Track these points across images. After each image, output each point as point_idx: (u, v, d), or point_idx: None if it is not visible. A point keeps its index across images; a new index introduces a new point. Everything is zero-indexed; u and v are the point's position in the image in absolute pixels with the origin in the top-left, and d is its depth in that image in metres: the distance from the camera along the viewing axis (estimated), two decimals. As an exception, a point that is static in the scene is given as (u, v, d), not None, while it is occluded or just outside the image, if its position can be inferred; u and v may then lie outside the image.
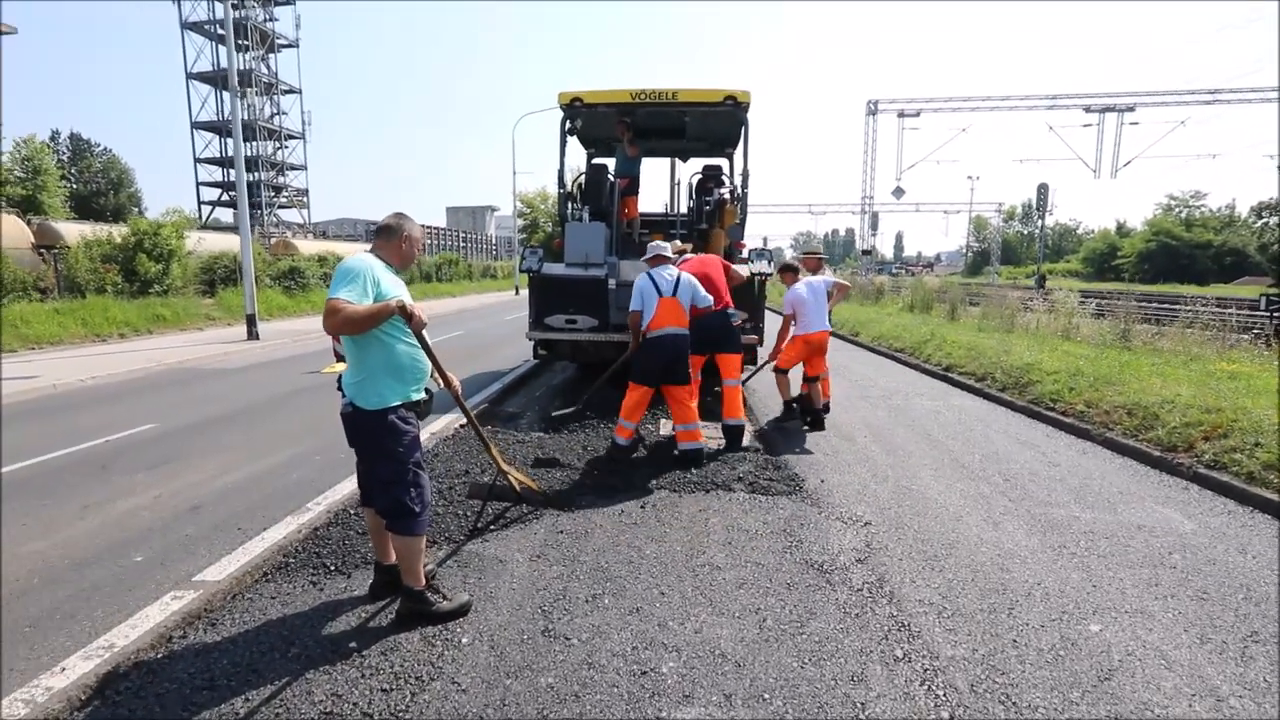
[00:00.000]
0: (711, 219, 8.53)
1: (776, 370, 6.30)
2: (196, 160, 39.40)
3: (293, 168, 42.85)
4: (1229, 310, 11.08)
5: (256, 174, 38.84)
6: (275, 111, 40.87)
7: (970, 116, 36.14)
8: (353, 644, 2.63)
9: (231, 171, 21.08)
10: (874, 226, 40.40)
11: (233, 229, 19.39)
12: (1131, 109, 33.57)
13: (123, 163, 44.47)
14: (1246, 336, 9.56)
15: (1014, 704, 2.31)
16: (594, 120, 8.20)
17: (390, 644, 2.64)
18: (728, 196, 8.65)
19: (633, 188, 8.49)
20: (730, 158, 9.65)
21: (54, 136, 42.99)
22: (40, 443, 5.76)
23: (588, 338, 7.01)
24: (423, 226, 46.17)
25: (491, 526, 3.81)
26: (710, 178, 9.07)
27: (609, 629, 2.76)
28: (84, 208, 37.43)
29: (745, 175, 7.97)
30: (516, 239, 38.60)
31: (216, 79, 37.01)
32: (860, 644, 2.66)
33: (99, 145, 45.06)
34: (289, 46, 41.36)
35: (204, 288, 18.31)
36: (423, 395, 2.80)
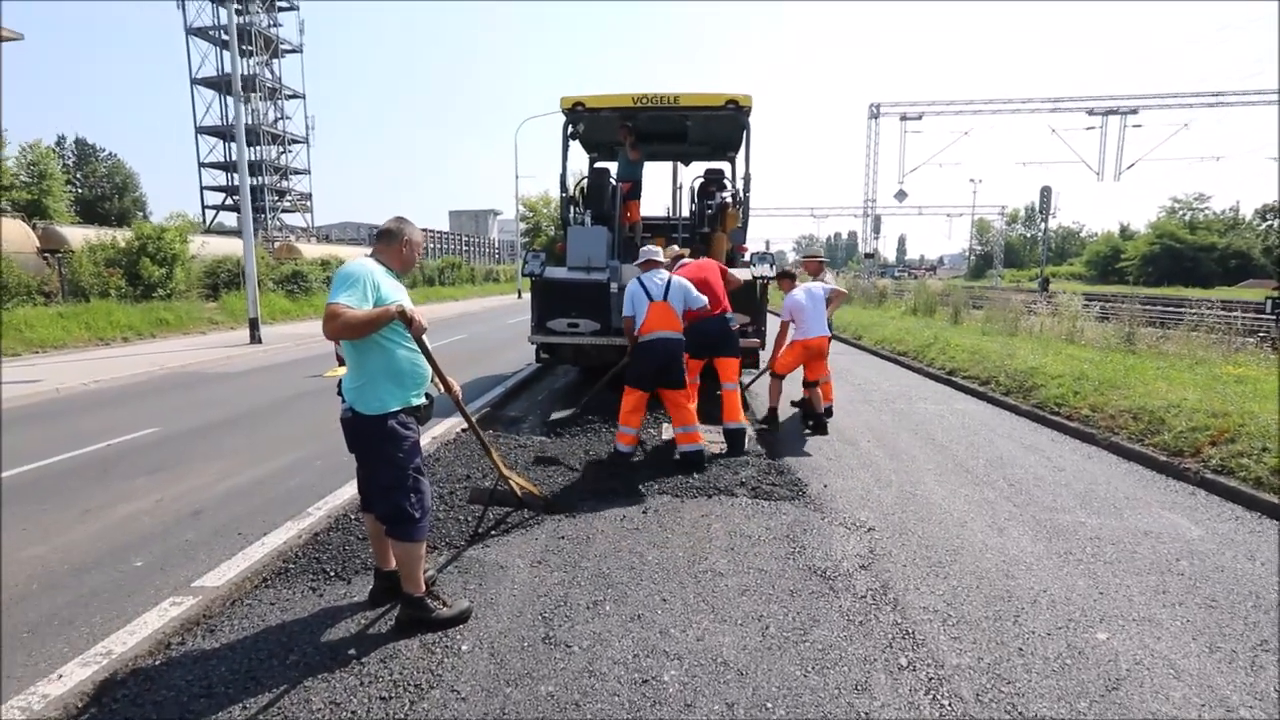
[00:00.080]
0: (713, 223, 8.52)
1: (773, 375, 6.28)
2: (201, 165, 39.66)
3: (296, 172, 43.08)
4: (1234, 313, 11.01)
5: (260, 178, 39.03)
6: (279, 116, 41.12)
7: (972, 119, 36.21)
8: (352, 651, 2.61)
9: (235, 176, 21.14)
10: (876, 230, 40.37)
11: (236, 233, 19.48)
12: (1134, 111, 33.53)
13: (127, 167, 44.70)
14: (1252, 340, 9.50)
15: (1020, 714, 2.28)
16: (596, 125, 8.21)
17: (390, 651, 2.62)
18: (729, 200, 8.64)
19: (635, 192, 8.49)
20: (732, 161, 9.64)
21: (59, 141, 43.24)
22: (42, 447, 5.76)
23: (590, 341, 6.99)
24: (425, 230, 46.52)
25: (492, 532, 3.79)
26: (712, 181, 9.06)
27: (610, 636, 2.73)
28: (89, 212, 37.58)
29: (747, 179, 7.96)
30: (519, 243, 38.66)
31: (220, 84, 37.26)
32: (864, 652, 2.63)
33: (104, 150, 45.33)
34: (292, 52, 41.65)
35: (207, 292, 18.36)
36: (423, 400, 2.79)
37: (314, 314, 19.17)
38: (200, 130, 38.88)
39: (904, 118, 36.11)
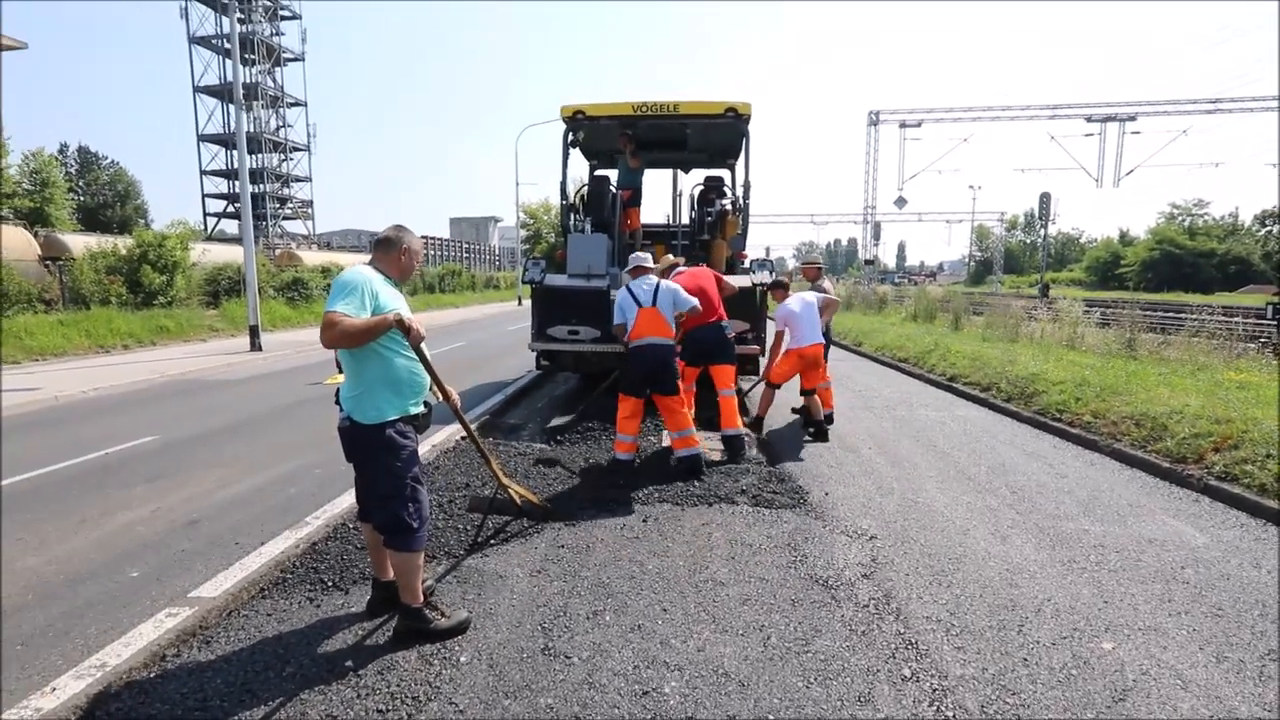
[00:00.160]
0: (713, 230, 8.53)
1: (768, 384, 6.27)
2: (203, 172, 39.80)
3: (297, 179, 43.24)
4: (1235, 319, 10.99)
5: (261, 186, 39.19)
6: (281, 124, 41.31)
7: (971, 126, 36.23)
8: (349, 663, 2.58)
9: (237, 183, 21.19)
10: (876, 236, 40.46)
11: (238, 240, 19.52)
12: (1133, 118, 33.66)
13: (129, 175, 44.96)
14: (1253, 345, 9.48)
15: (1026, 726, 2.25)
16: (596, 133, 8.24)
17: (387, 663, 2.59)
18: (729, 207, 8.66)
19: (635, 199, 8.50)
20: (732, 169, 9.67)
21: (62, 149, 43.49)
22: (41, 455, 5.74)
23: (590, 349, 6.98)
24: (426, 237, 46.66)
25: (492, 541, 3.77)
26: (712, 189, 9.08)
27: (610, 647, 2.70)
28: (91, 220, 37.75)
29: (746, 186, 7.98)
30: (519, 250, 38.74)
31: (223, 92, 37.48)
32: (867, 662, 2.60)
33: (106, 158, 45.57)
34: (295, 60, 41.88)
35: (208, 299, 18.38)
36: (421, 409, 2.77)
37: (314, 321, 19.17)
38: (202, 138, 39.07)
39: (903, 125, 36.25)
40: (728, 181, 9.40)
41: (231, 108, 28.64)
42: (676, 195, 9.95)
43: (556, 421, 6.23)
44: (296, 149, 42.54)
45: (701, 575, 3.34)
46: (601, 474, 4.96)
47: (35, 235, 17.45)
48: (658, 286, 4.98)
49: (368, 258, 2.79)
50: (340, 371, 2.73)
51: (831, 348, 7.49)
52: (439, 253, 50.67)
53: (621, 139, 8.00)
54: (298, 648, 2.69)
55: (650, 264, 5.17)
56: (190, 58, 37.87)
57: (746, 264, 7.92)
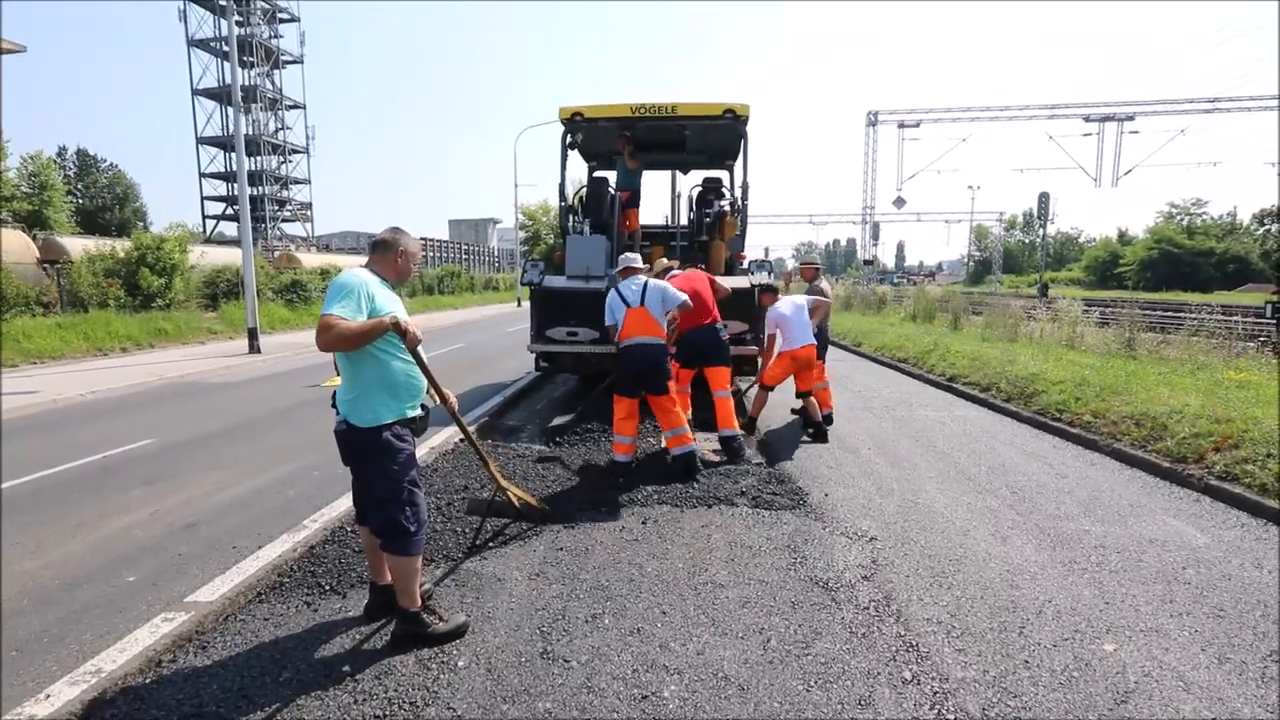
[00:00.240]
0: (712, 231, 8.53)
1: (761, 386, 6.28)
2: (201, 175, 39.77)
3: (296, 181, 43.22)
4: (1234, 318, 10.99)
5: (260, 188, 39.16)
6: (279, 126, 41.29)
7: (970, 126, 36.20)
8: (346, 667, 2.57)
9: (236, 186, 21.19)
10: (875, 236, 40.46)
11: (237, 243, 19.49)
12: (1131, 118, 33.64)
13: (128, 178, 44.81)
14: (1253, 345, 9.47)
15: (1028, 729, 2.24)
16: (595, 134, 8.23)
17: (384, 667, 2.58)
18: (728, 209, 8.66)
19: (634, 200, 8.49)
20: (730, 170, 9.66)
21: (61, 152, 43.40)
22: (38, 458, 5.72)
23: (589, 350, 6.97)
24: (425, 239, 46.65)
25: (490, 544, 3.75)
26: (710, 190, 9.08)
27: (609, 650, 2.69)
28: (90, 222, 37.68)
29: (745, 187, 7.97)
30: (518, 251, 38.73)
31: (221, 95, 37.44)
32: (867, 665, 2.58)
33: (105, 161, 45.49)
34: (293, 63, 41.88)
35: (206, 301, 18.36)
36: (418, 412, 2.75)
37: (313, 323, 19.08)
38: (201, 141, 39.04)
39: (902, 125, 36.24)
40: (726, 183, 9.40)
41: (230, 110, 28.66)
42: (675, 196, 9.95)
43: (557, 421, 6.22)
44: (295, 151, 42.53)
45: (701, 578, 3.32)
46: (600, 476, 4.95)
47: (34, 238, 17.43)
48: (645, 286, 4.98)
49: (366, 260, 2.78)
50: (338, 374, 2.71)
51: (829, 348, 7.49)
52: (438, 254, 50.66)
53: (620, 140, 8.00)
54: (295, 653, 2.67)
55: (639, 264, 5.18)
56: (189, 61, 37.89)
57: (745, 265, 7.91)
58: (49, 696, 2.43)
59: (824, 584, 3.25)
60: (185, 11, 36.93)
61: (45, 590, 3.34)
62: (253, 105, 38.24)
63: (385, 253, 2.72)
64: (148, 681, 2.50)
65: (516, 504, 3.91)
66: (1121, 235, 62.58)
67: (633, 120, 7.57)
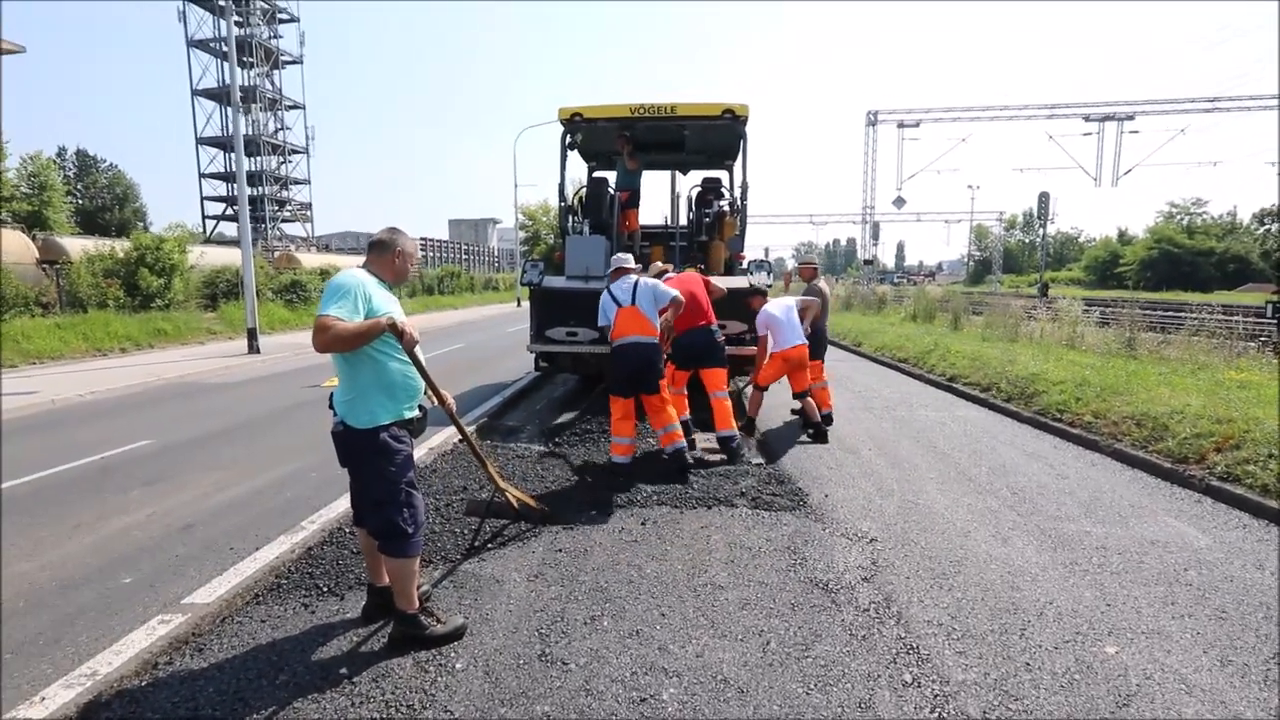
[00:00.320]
0: (711, 231, 8.52)
1: (755, 387, 6.29)
2: (201, 175, 39.76)
3: (296, 182, 43.21)
4: (1235, 317, 10.97)
5: (260, 188, 39.15)
6: (279, 127, 41.29)
7: (970, 126, 36.17)
8: (343, 670, 2.55)
9: (236, 186, 21.15)
10: (875, 236, 40.43)
11: (236, 243, 19.48)
12: (1131, 118, 33.60)
13: (128, 178, 44.81)
14: (1253, 344, 9.46)
15: (1029, 732, 2.22)
16: (594, 135, 8.22)
17: (382, 670, 2.56)
18: (727, 209, 8.65)
19: (633, 201, 8.48)
20: (730, 170, 9.65)
21: (60, 153, 43.39)
22: (37, 459, 5.71)
23: (589, 350, 6.96)
24: (425, 239, 46.56)
25: (489, 545, 3.74)
26: (710, 190, 9.07)
27: (608, 653, 2.67)
28: (89, 223, 37.66)
29: (744, 187, 7.96)
30: (518, 251, 38.71)
31: (221, 95, 37.43)
32: (867, 668, 2.57)
33: (105, 161, 45.49)
34: (293, 63, 41.87)
35: (206, 302, 18.34)
36: (415, 413, 2.74)
37: (312, 324, 19.12)
38: (201, 141, 39.04)
39: (902, 125, 36.21)
40: (725, 183, 9.38)
41: (229, 111, 28.64)
42: (675, 197, 9.94)
43: (563, 418, 6.21)
44: (295, 151, 42.53)
45: (700, 579, 3.31)
46: (599, 477, 4.93)
47: (33, 238, 17.42)
48: (636, 285, 4.98)
49: (363, 260, 2.76)
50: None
51: (829, 348, 7.48)
52: (438, 254, 50.64)
53: (619, 141, 7.99)
54: (292, 655, 2.66)
55: (630, 265, 5.18)
56: (189, 61, 37.88)
57: (744, 265, 7.90)
58: (44, 699, 2.42)
59: (824, 585, 3.24)
60: (185, 12, 36.93)
61: (42, 592, 3.33)
62: (252, 105, 38.24)
63: (382, 253, 2.71)
64: (143, 684, 2.49)
65: (515, 505, 3.90)
66: (1121, 235, 62.56)
67: (632, 120, 7.56)
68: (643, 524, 4.05)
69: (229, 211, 39.95)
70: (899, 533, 3.92)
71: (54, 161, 32.01)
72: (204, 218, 40.33)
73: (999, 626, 2.87)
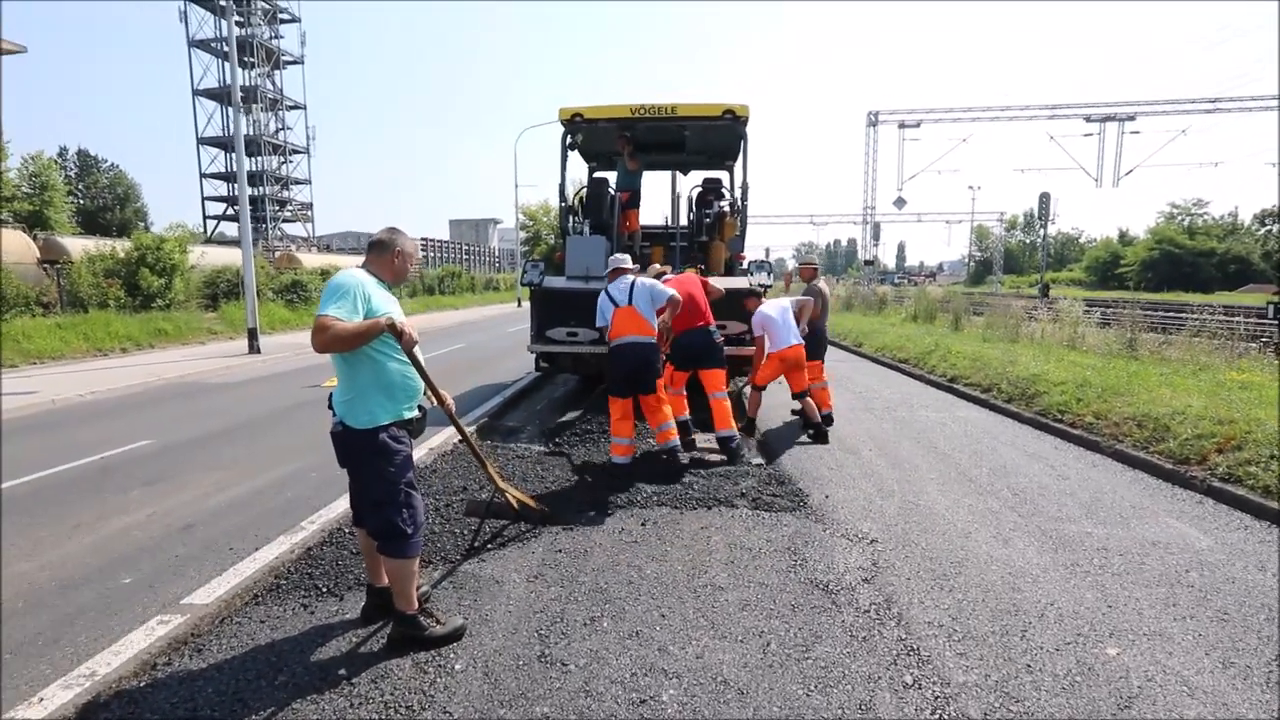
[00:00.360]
0: (711, 231, 8.52)
1: (754, 388, 6.30)
2: (202, 175, 39.78)
3: (297, 182, 43.23)
4: (1236, 318, 10.95)
5: (261, 188, 39.17)
6: (280, 127, 41.31)
7: (971, 127, 36.18)
8: (342, 671, 2.55)
9: (237, 186, 21.17)
10: (876, 237, 40.44)
11: (237, 243, 19.50)
12: (1132, 118, 33.62)
13: (129, 178, 44.82)
14: (1255, 345, 9.45)
15: (1030, 734, 2.21)
16: (595, 135, 8.22)
17: (381, 671, 2.55)
18: (727, 209, 8.64)
19: (634, 201, 8.48)
20: (730, 170, 9.65)
21: (62, 153, 43.41)
22: (36, 459, 5.71)
23: (589, 350, 6.95)
24: (425, 239, 46.56)
25: (489, 545, 3.73)
26: (710, 191, 9.07)
27: (607, 654, 2.67)
28: (91, 223, 37.68)
29: (745, 188, 7.96)
30: (519, 251, 38.72)
31: (222, 95, 37.45)
32: (868, 669, 2.56)
33: (106, 161, 45.51)
34: (294, 63, 41.90)
35: (206, 302, 18.35)
36: (415, 413, 2.73)
37: (313, 323, 19.12)
38: (202, 141, 39.06)
39: (902, 125, 36.23)
40: (726, 183, 9.38)
41: (230, 111, 28.62)
42: (675, 197, 9.94)
43: (563, 419, 6.21)
44: (296, 151, 42.55)
45: (700, 580, 3.30)
46: (599, 477, 4.93)
47: (34, 238, 17.43)
48: (633, 285, 5.00)
49: (362, 260, 2.76)
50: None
51: (829, 348, 7.48)
52: (439, 254, 50.63)
53: (620, 141, 7.98)
54: (291, 655, 2.65)
55: (628, 265, 5.20)
56: (190, 61, 37.91)
57: (745, 265, 7.90)
58: (42, 700, 2.41)
59: (824, 587, 3.23)
60: (186, 12, 36.96)
61: (41, 593, 3.32)
62: (253, 105, 38.26)
63: (382, 253, 2.70)
64: (142, 685, 2.48)
65: (515, 506, 3.89)
66: (1122, 236, 62.49)
67: (632, 121, 7.56)
68: (643, 525, 4.04)
69: (230, 211, 39.97)
70: (899, 534, 3.91)
71: (55, 161, 32.05)
72: (205, 218, 40.39)
73: (1000, 628, 2.86)
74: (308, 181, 43.74)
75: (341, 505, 4.34)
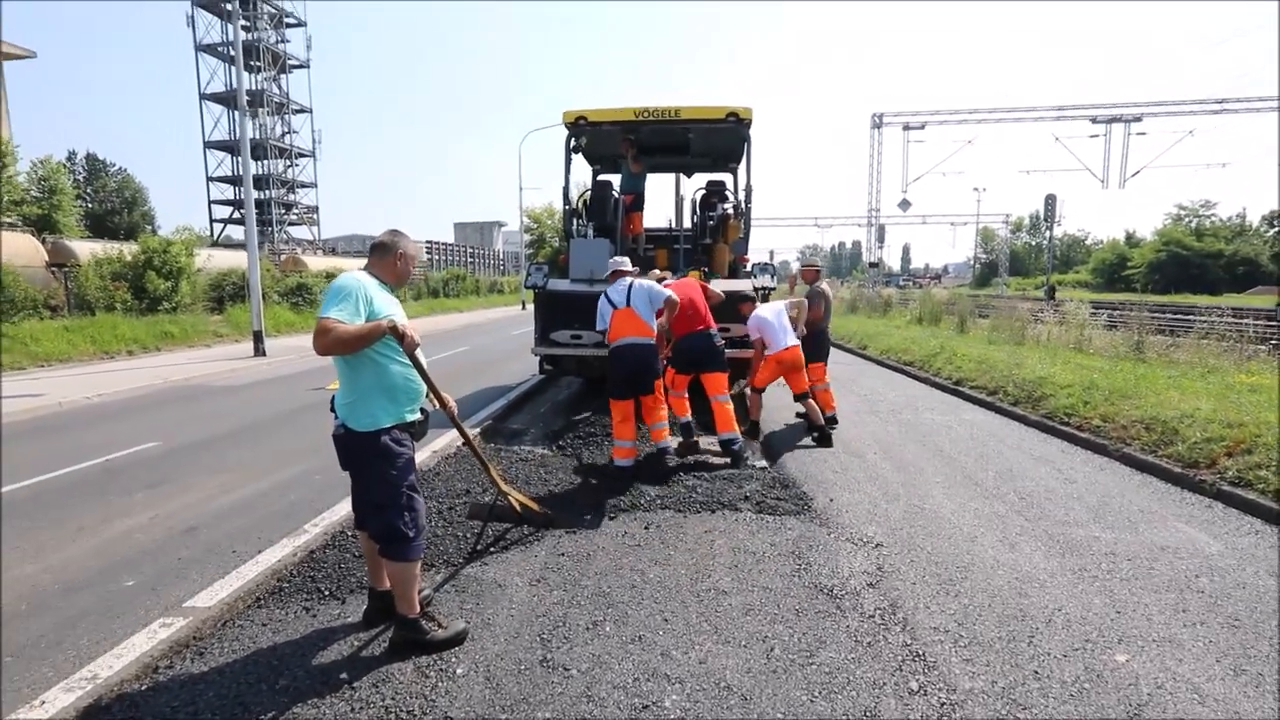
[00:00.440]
0: (715, 234, 8.51)
1: (753, 390, 6.28)
2: (209, 179, 40.03)
3: (303, 185, 43.45)
4: (1245, 320, 10.86)
5: (267, 192, 39.38)
6: (286, 130, 41.54)
7: (976, 128, 36.07)
8: (344, 675, 2.54)
9: (242, 189, 21.30)
10: (880, 239, 40.35)
11: (243, 246, 19.61)
12: (1138, 119, 33.44)
13: (137, 182, 45.10)
14: (1264, 348, 9.36)
15: (1038, 742, 2.18)
16: (599, 138, 8.23)
17: (382, 675, 2.54)
18: (731, 211, 8.63)
19: (637, 204, 8.48)
20: (734, 173, 9.64)
21: (70, 157, 43.72)
22: (42, 461, 5.73)
23: (592, 353, 6.95)
24: (430, 242, 46.66)
25: (491, 549, 3.72)
26: (714, 193, 9.07)
27: (610, 659, 2.65)
28: (99, 226, 37.91)
29: (748, 190, 7.95)
30: (523, 254, 38.79)
31: (229, 99, 37.70)
32: (873, 675, 2.53)
33: (114, 165, 45.84)
34: (300, 67, 42.14)
35: (212, 304, 18.42)
36: (417, 416, 2.72)
37: (318, 326, 19.16)
38: (208, 145, 39.31)
39: (907, 127, 36.14)
40: (730, 186, 9.37)
41: (236, 114, 28.76)
42: (679, 199, 9.93)
43: (567, 421, 6.21)
44: (302, 155, 42.76)
45: (704, 584, 3.28)
46: (602, 480, 4.92)
47: (43, 242, 17.54)
48: (631, 286, 5.00)
49: (364, 263, 2.76)
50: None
51: (832, 350, 7.45)
52: (443, 257, 50.74)
53: (623, 144, 7.99)
54: (292, 659, 2.64)
55: (627, 267, 5.22)
56: (196, 65, 38.18)
57: (748, 268, 7.89)
58: (44, 703, 2.41)
59: (829, 591, 3.20)
60: (193, 17, 37.23)
61: (44, 595, 3.33)
62: (259, 109, 38.50)
63: (384, 255, 2.70)
64: (144, 688, 2.48)
65: (518, 509, 3.88)
66: (1129, 237, 62.15)
67: (636, 124, 7.56)
68: (646, 528, 4.02)
69: (236, 215, 40.20)
70: (905, 538, 3.88)
71: (64, 165, 32.27)
72: (211, 221, 40.62)
73: (1007, 634, 2.83)
74: (313, 185, 43.99)
75: (344, 508, 4.34)
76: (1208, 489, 4.56)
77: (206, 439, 6.59)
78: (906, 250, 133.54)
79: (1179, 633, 2.84)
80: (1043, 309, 15.41)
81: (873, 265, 41.42)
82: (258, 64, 38.03)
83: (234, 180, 39.78)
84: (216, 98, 38.72)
